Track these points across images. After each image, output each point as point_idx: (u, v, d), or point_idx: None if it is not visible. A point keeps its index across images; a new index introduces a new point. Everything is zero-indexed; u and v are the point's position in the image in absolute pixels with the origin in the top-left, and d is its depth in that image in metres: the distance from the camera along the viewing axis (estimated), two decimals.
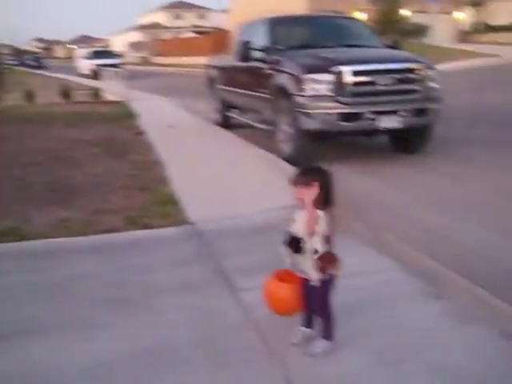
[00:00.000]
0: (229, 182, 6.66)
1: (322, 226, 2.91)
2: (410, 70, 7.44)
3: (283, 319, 3.37)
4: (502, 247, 4.57)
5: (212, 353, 3.17)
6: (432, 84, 7.60)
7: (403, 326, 3.38)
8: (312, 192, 2.89)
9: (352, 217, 5.09)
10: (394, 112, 7.23)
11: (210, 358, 3.12)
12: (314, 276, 3.00)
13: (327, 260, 2.99)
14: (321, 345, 3.12)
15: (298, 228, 3.00)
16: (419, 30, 33.30)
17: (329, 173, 3.00)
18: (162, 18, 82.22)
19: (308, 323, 3.24)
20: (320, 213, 2.92)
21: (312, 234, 2.92)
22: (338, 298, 3.42)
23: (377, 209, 5.66)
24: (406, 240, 4.64)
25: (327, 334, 3.13)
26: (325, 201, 2.93)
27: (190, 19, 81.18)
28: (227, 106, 10.84)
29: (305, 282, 3.08)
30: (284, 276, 3.18)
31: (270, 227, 4.68)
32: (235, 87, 9.91)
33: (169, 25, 79.39)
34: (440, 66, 19.78)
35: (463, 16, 38.09)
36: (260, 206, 5.58)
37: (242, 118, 10.19)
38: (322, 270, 2.98)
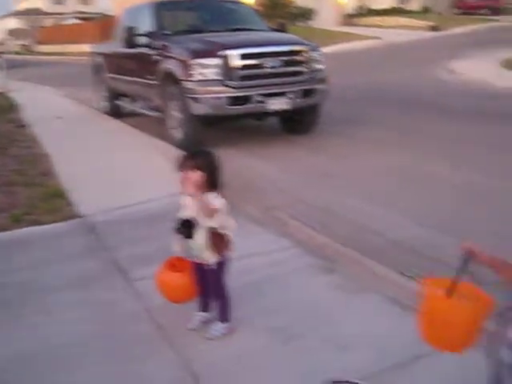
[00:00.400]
0: (120, 172, 6.48)
1: (218, 205, 2.91)
2: (296, 52, 7.58)
3: (180, 306, 3.34)
4: (388, 220, 4.80)
5: (110, 346, 3.09)
6: (318, 65, 7.80)
7: (299, 302, 3.46)
8: (198, 176, 2.87)
9: (244, 198, 5.14)
10: (282, 94, 7.35)
11: (108, 351, 3.04)
12: (210, 258, 2.99)
13: (221, 240, 2.99)
14: (218, 327, 3.13)
15: (187, 212, 2.98)
16: (305, 14, 34.08)
17: (214, 156, 2.99)
18: (42, 3, 78.04)
19: (204, 307, 3.24)
20: (212, 194, 2.91)
21: (209, 215, 2.90)
22: (235, 280, 3.46)
23: (268, 190, 5.75)
24: (298, 218, 4.76)
25: (224, 316, 3.14)
26: (212, 184, 2.92)
27: (72, 5, 77.68)
28: (116, 94, 10.50)
29: (198, 267, 3.06)
30: (176, 264, 3.15)
31: (163, 215, 4.59)
32: (122, 74, 9.62)
33: (50, 10, 75.52)
34: (325, 49, 20.40)
35: (347, 0, 39.48)
36: (152, 194, 5.48)
37: (131, 106, 9.93)
38: (218, 250, 2.97)
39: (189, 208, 2.99)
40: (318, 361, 2.86)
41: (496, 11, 40.96)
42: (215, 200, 2.90)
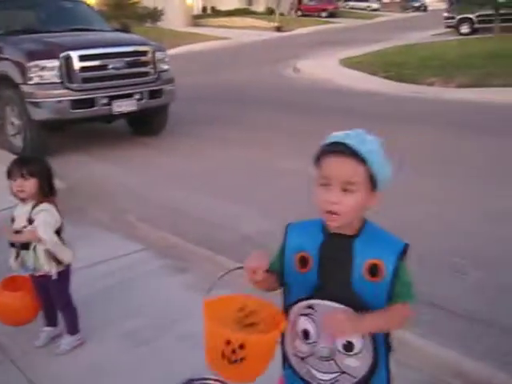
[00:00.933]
0: None
1: (49, 217, 2.76)
2: (140, 53, 7.45)
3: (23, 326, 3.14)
4: (238, 215, 4.90)
5: None
6: (164, 66, 7.74)
7: (151, 305, 3.42)
8: (31, 183, 2.72)
9: (92, 204, 4.97)
10: (128, 95, 7.19)
11: None
12: (51, 268, 2.83)
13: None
14: (68, 341, 2.99)
15: (19, 223, 2.80)
16: (153, 14, 33.68)
17: (46, 162, 2.86)
18: None
19: (51, 322, 3.08)
20: (45, 206, 2.76)
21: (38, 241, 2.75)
22: (83, 289, 3.34)
23: (119, 193, 5.60)
24: (149, 220, 4.70)
25: (72, 328, 3.01)
26: (46, 191, 2.78)
27: None
28: None
29: (38, 280, 2.90)
30: (10, 283, 2.94)
31: None
32: None
33: None
34: (174, 49, 20.37)
35: (192, 0, 39.64)
36: None
37: None
38: (56, 261, 2.83)
39: (21, 217, 2.81)
40: (174, 360, 2.85)
41: (333, 14, 44.09)
42: (42, 227, 2.74)
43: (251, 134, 8.03)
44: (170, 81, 7.80)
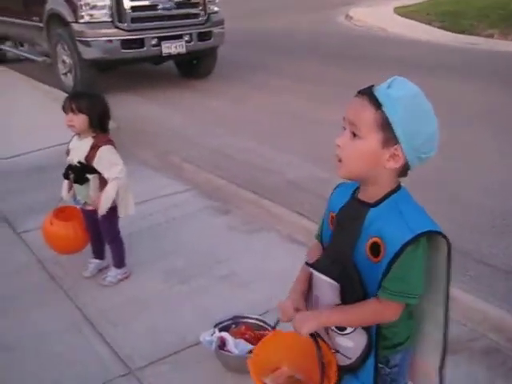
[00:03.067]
0: (7, 121, 6.06)
1: (109, 158, 2.82)
2: None
3: (75, 256, 3.25)
4: (285, 162, 4.87)
5: (1, 298, 2.96)
6: (214, 7, 7.61)
7: (195, 244, 3.48)
8: (80, 118, 2.76)
9: (139, 144, 5.02)
10: (177, 37, 7.13)
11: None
12: (101, 204, 2.89)
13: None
14: (114, 273, 3.09)
15: (74, 156, 2.86)
16: None
17: (98, 98, 2.87)
18: None
19: (98, 254, 3.17)
20: (106, 148, 2.81)
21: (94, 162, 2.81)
22: (131, 225, 3.42)
23: (165, 134, 5.63)
24: (195, 162, 4.73)
25: (119, 261, 3.10)
26: (97, 127, 2.81)
27: None
28: None
29: (88, 213, 2.97)
30: (61, 214, 3.03)
31: (55, 164, 4.41)
32: (3, 15, 8.88)
33: None
34: None
35: None
36: (41, 143, 5.20)
37: (16, 51, 9.26)
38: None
39: (77, 151, 2.87)
40: (215, 299, 2.90)
41: None
42: (113, 167, 2.82)
43: (298, 82, 7.87)
44: (220, 23, 7.67)
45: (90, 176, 2.85)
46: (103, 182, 2.86)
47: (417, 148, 1.28)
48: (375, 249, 1.30)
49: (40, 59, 8.09)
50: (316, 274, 1.41)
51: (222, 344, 2.33)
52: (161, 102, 6.91)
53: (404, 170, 1.32)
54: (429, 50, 10.16)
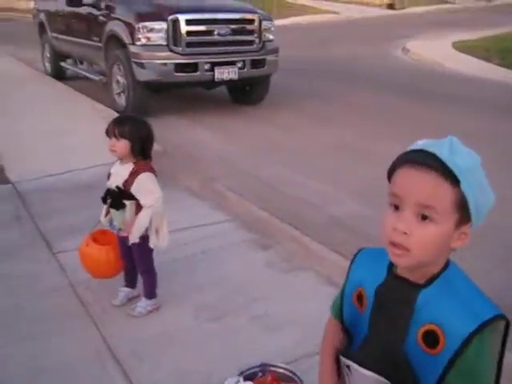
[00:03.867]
0: (58, 137, 6.17)
1: (151, 185, 2.76)
2: (247, 21, 7.37)
3: (106, 281, 3.19)
4: (332, 197, 4.72)
5: (26, 320, 2.91)
6: (269, 35, 7.62)
7: (230, 279, 3.35)
8: (123, 144, 2.71)
9: (184, 169, 4.98)
10: (230, 63, 7.14)
11: (27, 325, 2.86)
12: (133, 231, 2.83)
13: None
14: (143, 304, 2.99)
15: (114, 181, 2.81)
16: None
17: (142, 124, 2.82)
18: None
19: (130, 282, 3.09)
20: (145, 176, 2.75)
21: (130, 188, 2.75)
22: (166, 254, 3.32)
23: (211, 160, 5.59)
24: (238, 190, 4.63)
25: (150, 292, 3.00)
26: (139, 153, 2.76)
27: None
28: (60, 56, 10.03)
29: (123, 240, 2.90)
30: (100, 236, 2.98)
31: (96, 184, 4.40)
32: (66, 35, 9.16)
33: None
34: (282, 21, 20.14)
35: None
36: (89, 162, 5.23)
37: (75, 69, 9.51)
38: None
39: (117, 176, 2.82)
40: (245, 340, 2.76)
41: None
42: (150, 195, 2.77)
43: (351, 113, 7.76)
44: (274, 51, 7.66)
45: (127, 202, 2.80)
46: (140, 210, 2.80)
47: (479, 221, 1.11)
48: (431, 339, 1.09)
49: (97, 78, 8.28)
50: (357, 368, 1.19)
51: None
52: (210, 126, 6.91)
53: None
54: (486, 88, 9.86)
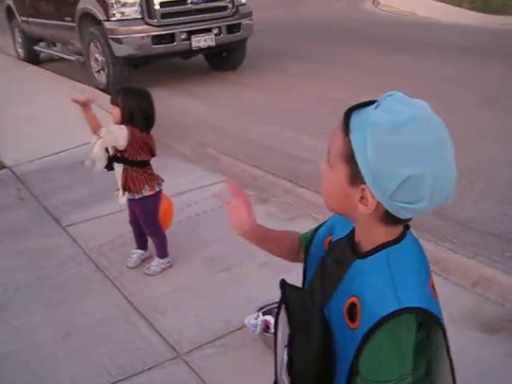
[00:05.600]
0: (44, 119, 6.24)
1: (113, 135, 2.88)
2: None
3: (117, 247, 3.37)
4: (321, 149, 4.88)
5: (51, 290, 3.09)
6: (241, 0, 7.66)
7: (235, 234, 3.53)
8: (116, 111, 2.90)
9: (175, 137, 5.11)
10: (206, 30, 7.20)
11: (50, 294, 3.05)
12: (120, 192, 3.03)
13: (137, 175, 3.00)
14: (157, 263, 3.18)
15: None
16: None
17: (135, 93, 2.96)
18: None
19: (141, 245, 3.27)
20: (122, 127, 2.89)
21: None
22: (174, 216, 3.50)
23: (199, 127, 5.72)
24: (230, 153, 4.79)
25: (162, 252, 3.19)
26: (129, 120, 2.90)
27: None
28: (32, 39, 9.94)
29: (129, 203, 3.08)
30: None
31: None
32: (37, 17, 9.08)
33: None
34: None
35: None
36: (80, 140, 5.32)
37: (50, 51, 9.47)
38: (134, 185, 2.99)
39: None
40: (257, 285, 2.96)
41: None
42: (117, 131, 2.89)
43: (333, 69, 7.87)
44: (248, 15, 7.70)
45: (115, 165, 2.98)
46: (127, 172, 2.97)
47: (390, 195, 0.97)
48: (353, 312, 1.02)
49: (73, 58, 8.28)
50: (283, 315, 1.16)
51: (266, 327, 2.40)
52: (193, 95, 7.00)
53: (392, 219, 1.02)
54: (459, 33, 10.01)
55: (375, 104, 1.00)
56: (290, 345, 1.11)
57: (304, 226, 3.46)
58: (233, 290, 2.96)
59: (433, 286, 1.07)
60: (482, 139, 4.69)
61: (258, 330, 2.38)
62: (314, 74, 7.55)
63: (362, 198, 1.00)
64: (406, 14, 12.48)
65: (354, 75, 7.30)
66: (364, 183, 0.98)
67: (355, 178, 0.99)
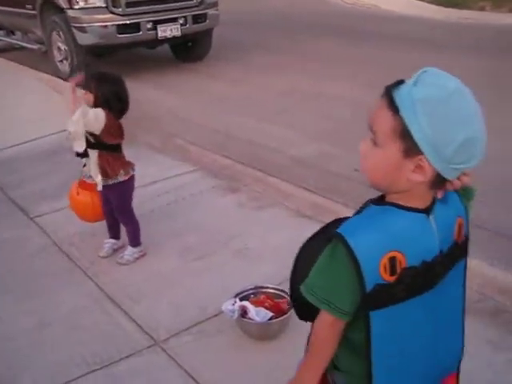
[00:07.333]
0: (7, 110, 6.09)
1: (87, 115, 2.84)
2: None
3: (88, 237, 3.35)
4: (289, 139, 4.93)
5: (22, 281, 3.06)
6: None
7: (207, 222, 3.56)
8: (88, 96, 2.89)
9: (143, 128, 5.07)
10: (172, 20, 7.14)
11: (21, 287, 3.01)
12: (97, 179, 3.01)
13: (112, 160, 2.99)
14: (130, 252, 3.18)
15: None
16: None
17: (110, 82, 2.95)
18: None
19: (114, 234, 3.26)
20: (99, 109, 2.87)
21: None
22: (143, 206, 3.51)
23: (166, 118, 5.68)
24: (198, 143, 4.79)
25: (134, 240, 3.18)
26: (102, 105, 2.88)
27: None
28: None
29: (103, 190, 3.06)
30: (86, 185, 3.15)
31: (60, 150, 4.49)
32: None
33: None
34: None
35: None
36: (45, 130, 5.24)
37: (9, 40, 9.22)
38: (108, 170, 2.98)
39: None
40: (231, 273, 3.00)
41: None
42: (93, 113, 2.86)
43: (294, 59, 7.92)
44: (214, 5, 7.66)
45: (90, 151, 2.96)
46: (103, 159, 2.95)
47: (448, 159, 1.06)
48: None
49: (35, 47, 8.09)
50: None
51: (244, 313, 2.43)
52: (159, 85, 6.94)
53: (439, 181, 1.12)
54: (421, 26, 10.20)
55: (412, 81, 1.07)
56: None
57: (275, 215, 3.57)
58: (207, 278, 2.98)
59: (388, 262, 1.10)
60: None
61: (236, 315, 2.41)
62: (279, 64, 7.58)
63: (416, 167, 1.08)
64: (368, 7, 12.63)
65: (319, 66, 7.37)
66: (421, 154, 1.06)
67: (410, 150, 1.07)
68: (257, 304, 2.46)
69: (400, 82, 1.10)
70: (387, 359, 1.16)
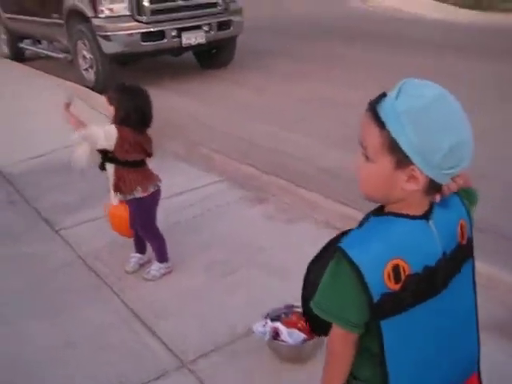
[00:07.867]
0: (31, 120, 6.10)
1: (100, 135, 2.79)
2: None
3: (113, 251, 3.29)
4: (312, 147, 4.83)
5: (48, 297, 3.00)
6: None
7: (234, 235, 3.47)
8: (110, 109, 2.84)
9: (168, 136, 5.01)
10: (197, 27, 7.10)
11: (47, 302, 2.95)
12: (111, 193, 2.96)
13: (127, 176, 2.90)
14: (156, 267, 3.10)
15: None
16: None
17: (129, 92, 2.88)
18: None
19: (140, 249, 3.19)
20: (110, 127, 2.81)
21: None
22: (168, 219, 3.43)
23: (191, 125, 5.63)
24: (223, 151, 4.70)
25: (161, 256, 3.11)
26: (121, 120, 2.81)
27: None
28: (17, 37, 9.74)
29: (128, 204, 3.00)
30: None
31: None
32: (22, 14, 8.90)
33: None
34: None
35: None
36: (68, 140, 5.20)
37: (36, 49, 9.29)
38: (125, 185, 2.90)
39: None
40: (260, 289, 2.90)
41: None
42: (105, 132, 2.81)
43: (319, 66, 7.82)
44: (239, 12, 7.61)
45: (107, 165, 2.91)
46: (119, 172, 2.88)
47: (438, 166, 1.08)
48: None
49: (61, 56, 8.12)
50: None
51: (276, 334, 2.33)
52: (183, 93, 6.90)
53: (434, 187, 1.13)
54: (446, 30, 10.01)
55: (394, 94, 1.08)
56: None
57: (304, 227, 3.47)
58: (235, 294, 2.89)
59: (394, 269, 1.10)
60: None
61: (267, 336, 2.31)
62: (303, 72, 7.48)
63: (409, 178, 1.09)
64: (392, 11, 12.46)
65: (342, 72, 7.26)
66: (412, 164, 1.08)
67: (401, 162, 1.08)
68: (289, 325, 2.36)
69: (383, 96, 1.11)
70: (403, 366, 1.16)
